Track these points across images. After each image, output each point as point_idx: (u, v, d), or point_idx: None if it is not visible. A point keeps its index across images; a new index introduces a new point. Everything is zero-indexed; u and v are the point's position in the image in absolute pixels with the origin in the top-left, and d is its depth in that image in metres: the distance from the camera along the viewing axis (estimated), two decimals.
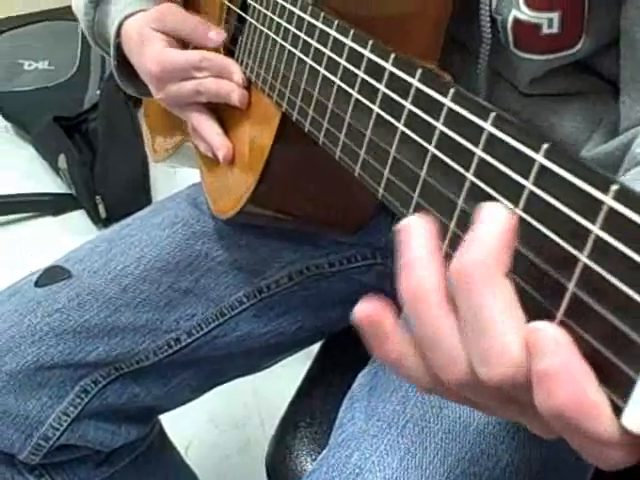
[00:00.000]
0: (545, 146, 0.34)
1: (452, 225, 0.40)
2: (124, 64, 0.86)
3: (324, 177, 0.72)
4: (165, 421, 1.03)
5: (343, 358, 0.94)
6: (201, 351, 0.89)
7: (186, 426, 1.44)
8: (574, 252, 0.32)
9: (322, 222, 0.82)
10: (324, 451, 0.72)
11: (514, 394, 0.33)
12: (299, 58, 0.60)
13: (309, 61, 0.58)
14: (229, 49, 0.80)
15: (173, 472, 1.06)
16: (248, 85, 0.76)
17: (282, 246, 0.89)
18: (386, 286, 0.91)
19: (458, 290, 0.34)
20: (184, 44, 0.81)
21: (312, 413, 0.88)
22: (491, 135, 0.37)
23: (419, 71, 0.44)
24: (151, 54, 0.79)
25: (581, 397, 0.30)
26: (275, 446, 0.87)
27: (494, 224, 0.33)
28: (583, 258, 0.31)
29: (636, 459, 0.30)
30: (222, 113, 0.81)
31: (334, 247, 0.89)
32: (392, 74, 0.46)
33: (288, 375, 1.04)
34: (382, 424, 0.69)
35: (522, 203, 0.35)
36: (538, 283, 0.34)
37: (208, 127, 0.80)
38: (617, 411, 0.29)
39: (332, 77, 0.54)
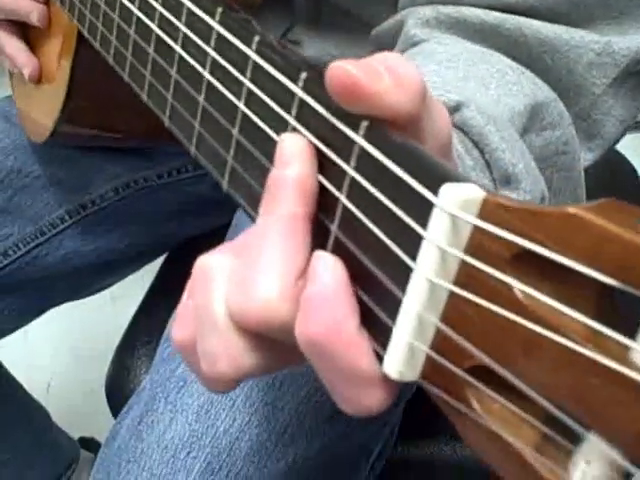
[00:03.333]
0: (304, 75, 0.32)
1: (230, 158, 0.38)
2: None
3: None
4: (24, 358, 0.99)
5: (185, 273, 0.91)
6: (22, 273, 0.84)
7: (46, 363, 1.40)
8: (337, 194, 0.30)
9: (143, 133, 0.78)
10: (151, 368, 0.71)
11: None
12: None
13: None
14: None
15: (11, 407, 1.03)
16: (47, 2, 0.71)
17: (106, 158, 0.84)
18: (221, 196, 0.88)
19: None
20: None
21: (150, 331, 0.86)
22: (255, 64, 0.35)
23: None
24: None
25: (341, 327, 0.29)
26: (112, 369, 0.85)
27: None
28: (343, 199, 0.30)
29: (390, 403, 0.30)
30: (27, 30, 0.76)
31: (162, 158, 0.86)
32: None
33: None
34: None
35: None
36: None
37: (10, 43, 0.75)
38: (379, 360, 0.29)
39: None
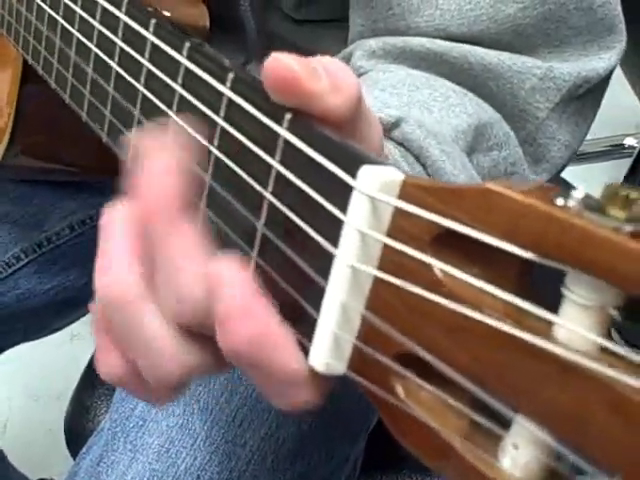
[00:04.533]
0: (231, 76, 0.32)
1: None
2: None
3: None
4: None
5: None
6: None
7: (2, 403, 1.38)
8: (260, 189, 0.30)
9: (94, 166, 0.77)
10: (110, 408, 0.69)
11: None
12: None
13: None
14: None
15: None
16: None
17: (60, 195, 0.83)
18: None
19: (147, 238, 0.32)
20: None
21: None
22: (187, 70, 0.35)
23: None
24: None
25: (264, 332, 0.28)
26: (71, 408, 0.83)
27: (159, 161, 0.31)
28: (268, 195, 0.29)
29: (321, 399, 0.29)
30: None
31: (117, 193, 0.85)
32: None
33: None
34: None
35: (216, 141, 0.32)
36: (234, 223, 0.32)
37: None
38: (305, 352, 0.28)
39: (54, 14, 0.50)
